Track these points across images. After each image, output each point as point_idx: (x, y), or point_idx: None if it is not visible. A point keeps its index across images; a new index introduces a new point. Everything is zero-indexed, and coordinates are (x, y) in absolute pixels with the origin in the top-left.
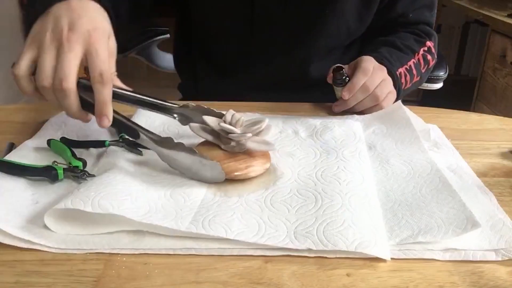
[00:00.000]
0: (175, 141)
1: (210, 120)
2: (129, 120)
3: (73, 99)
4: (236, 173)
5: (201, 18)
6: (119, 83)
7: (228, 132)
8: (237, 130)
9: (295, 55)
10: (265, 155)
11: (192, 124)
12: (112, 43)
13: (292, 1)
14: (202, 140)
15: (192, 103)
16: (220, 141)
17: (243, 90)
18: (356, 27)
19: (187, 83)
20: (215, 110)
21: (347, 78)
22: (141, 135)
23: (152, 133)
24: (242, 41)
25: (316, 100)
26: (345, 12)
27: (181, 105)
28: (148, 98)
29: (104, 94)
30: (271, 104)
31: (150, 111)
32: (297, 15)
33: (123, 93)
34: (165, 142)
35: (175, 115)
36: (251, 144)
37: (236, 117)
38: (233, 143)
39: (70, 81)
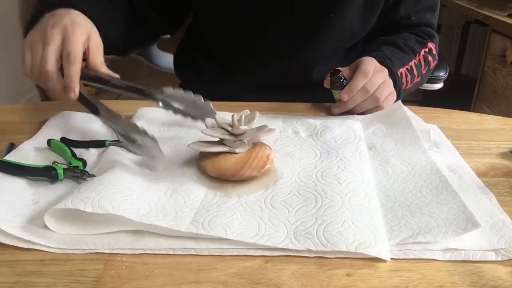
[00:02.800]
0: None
1: (211, 132)
2: (94, 98)
3: (55, 81)
4: (266, 167)
5: (211, 19)
6: (105, 69)
7: (237, 135)
8: (248, 128)
9: (299, 57)
10: (265, 145)
11: (191, 144)
12: (96, 38)
13: (299, 5)
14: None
15: (170, 88)
16: (230, 147)
17: (245, 91)
18: (360, 29)
19: (188, 82)
20: (191, 94)
21: (345, 81)
22: (101, 112)
23: (111, 111)
24: (249, 43)
25: (319, 102)
26: (349, 14)
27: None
28: (131, 84)
29: (71, 71)
30: (271, 104)
31: (134, 96)
32: (303, 18)
33: (107, 78)
34: (121, 122)
35: (159, 102)
36: (262, 136)
37: (246, 117)
38: (246, 142)
39: (49, 64)
